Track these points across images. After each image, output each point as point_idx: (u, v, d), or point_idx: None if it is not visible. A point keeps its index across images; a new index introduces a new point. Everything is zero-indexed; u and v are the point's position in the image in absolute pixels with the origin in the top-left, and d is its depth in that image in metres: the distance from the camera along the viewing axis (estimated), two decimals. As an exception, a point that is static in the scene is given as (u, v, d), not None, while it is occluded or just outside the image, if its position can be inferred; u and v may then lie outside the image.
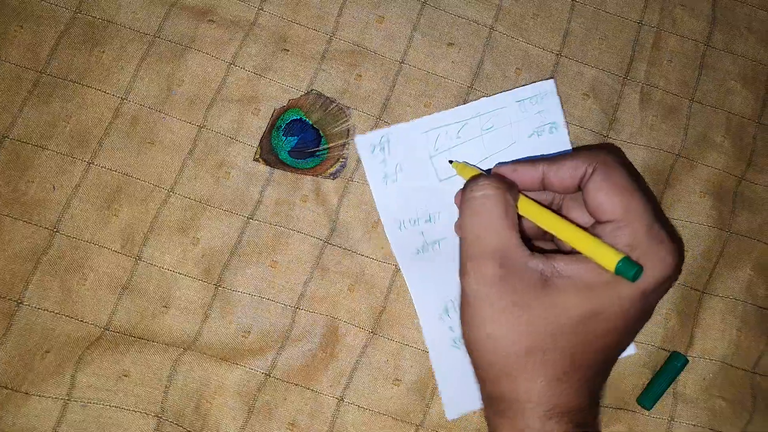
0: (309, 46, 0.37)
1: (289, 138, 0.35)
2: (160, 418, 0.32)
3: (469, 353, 0.29)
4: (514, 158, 0.36)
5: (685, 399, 0.36)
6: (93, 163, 0.34)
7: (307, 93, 0.36)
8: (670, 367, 0.35)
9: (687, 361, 0.36)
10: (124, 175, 0.35)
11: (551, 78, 0.37)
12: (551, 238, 0.33)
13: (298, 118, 0.35)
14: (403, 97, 0.37)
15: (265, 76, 0.36)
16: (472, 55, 0.38)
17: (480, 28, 0.38)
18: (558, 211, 0.31)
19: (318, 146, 0.35)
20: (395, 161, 0.35)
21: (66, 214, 0.34)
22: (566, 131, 0.36)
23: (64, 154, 0.34)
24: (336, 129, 0.35)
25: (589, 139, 0.38)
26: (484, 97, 0.37)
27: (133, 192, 0.34)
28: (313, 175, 0.35)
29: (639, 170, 0.37)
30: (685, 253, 0.37)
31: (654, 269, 0.26)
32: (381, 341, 0.35)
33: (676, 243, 0.27)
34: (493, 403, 0.29)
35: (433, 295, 0.35)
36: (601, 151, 0.29)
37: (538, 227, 0.29)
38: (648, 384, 0.35)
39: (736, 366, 0.36)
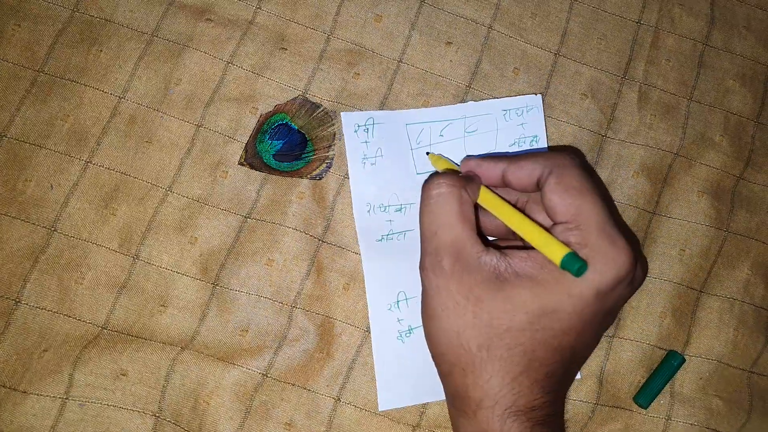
0: (307, 45, 0.37)
1: (274, 142, 0.35)
2: (158, 417, 0.32)
3: (428, 346, 0.30)
4: None
5: (681, 398, 0.36)
6: (91, 162, 0.34)
7: (294, 98, 0.36)
8: (667, 365, 0.35)
9: (684, 360, 0.36)
10: (122, 174, 0.35)
11: (540, 94, 0.37)
12: (518, 238, 0.33)
13: (284, 122, 0.35)
14: (401, 96, 0.37)
15: (263, 75, 0.36)
16: (470, 54, 0.38)
17: (478, 27, 0.38)
18: (521, 210, 0.32)
19: (304, 150, 0.35)
20: (377, 145, 0.36)
21: (64, 213, 0.34)
22: (546, 146, 0.37)
23: (61, 153, 0.34)
24: (322, 132, 0.35)
25: (587, 139, 0.38)
26: (472, 102, 0.37)
27: (130, 191, 0.34)
28: (297, 177, 0.35)
29: (637, 169, 0.37)
30: (683, 251, 0.37)
31: (606, 268, 0.27)
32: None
33: (630, 244, 0.27)
34: (454, 401, 0.29)
35: (387, 284, 0.35)
36: (560, 154, 0.30)
37: (503, 225, 0.30)
38: (644, 383, 0.36)
39: (733, 365, 0.36)
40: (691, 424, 0.35)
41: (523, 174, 0.30)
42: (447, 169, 0.33)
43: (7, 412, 0.31)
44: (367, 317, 0.35)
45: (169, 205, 0.35)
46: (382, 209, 0.35)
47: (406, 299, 0.35)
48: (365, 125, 0.36)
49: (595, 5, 0.39)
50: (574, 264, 0.26)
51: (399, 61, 0.37)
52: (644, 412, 0.35)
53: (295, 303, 0.34)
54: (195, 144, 0.35)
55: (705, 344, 0.36)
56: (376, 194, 0.35)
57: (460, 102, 0.37)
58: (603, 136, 0.38)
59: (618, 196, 0.37)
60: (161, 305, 0.34)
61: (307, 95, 0.36)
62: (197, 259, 0.34)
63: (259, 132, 0.35)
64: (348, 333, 0.34)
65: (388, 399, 0.34)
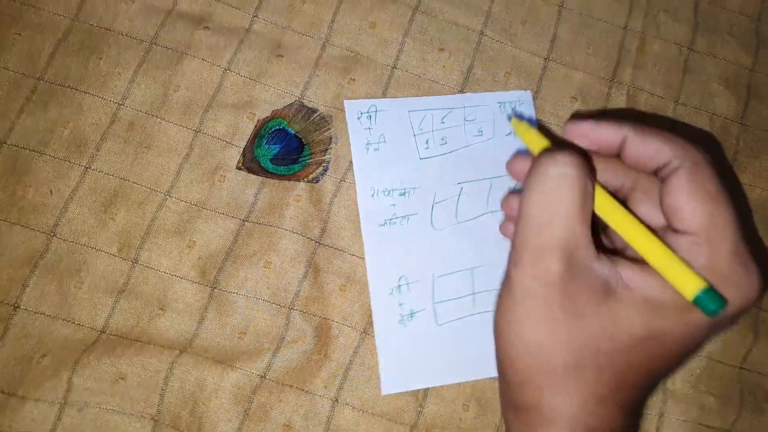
0: (303, 52, 0.37)
1: (271, 146, 0.35)
2: (157, 421, 0.32)
3: (497, 350, 0.25)
4: (492, 151, 0.37)
5: (674, 395, 0.36)
6: (90, 167, 0.35)
7: (291, 104, 0.36)
8: None
9: None
10: (121, 180, 0.35)
11: (528, 90, 0.38)
12: (602, 228, 0.28)
13: (281, 127, 0.36)
14: (396, 101, 0.38)
15: (260, 81, 0.37)
16: (462, 59, 0.39)
17: (470, 33, 0.39)
18: (624, 203, 0.27)
19: (301, 153, 0.36)
20: (380, 131, 0.36)
21: (63, 219, 0.34)
22: None
23: (61, 159, 0.35)
24: (319, 137, 0.36)
25: (577, 141, 0.38)
26: (470, 92, 0.38)
27: (129, 196, 0.35)
28: (294, 180, 0.36)
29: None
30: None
31: (734, 297, 0.22)
32: (373, 341, 0.35)
33: (760, 267, 0.23)
34: (519, 411, 0.25)
35: (389, 269, 0.35)
36: (694, 146, 0.24)
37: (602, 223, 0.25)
38: None
39: (724, 362, 0.37)
40: (684, 421, 0.36)
41: (648, 151, 0.24)
42: (550, 149, 0.26)
43: (5, 418, 0.31)
44: (365, 318, 0.35)
45: (168, 209, 0.35)
46: (386, 193, 0.36)
47: (408, 284, 0.35)
48: (368, 112, 0.36)
49: (582, 11, 0.41)
50: (712, 303, 0.22)
51: (393, 67, 0.38)
52: None
53: (292, 305, 0.35)
54: (193, 149, 0.36)
55: None
56: (380, 178, 0.36)
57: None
58: (593, 138, 0.39)
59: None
60: (160, 309, 0.34)
61: (304, 101, 0.37)
62: (196, 262, 0.35)
63: (257, 137, 0.36)
64: (345, 334, 0.35)
65: (391, 383, 0.34)
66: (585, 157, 0.24)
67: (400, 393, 0.34)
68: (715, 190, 0.23)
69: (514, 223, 0.25)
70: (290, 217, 0.35)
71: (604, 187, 0.25)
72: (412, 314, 0.35)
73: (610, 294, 0.23)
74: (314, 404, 0.34)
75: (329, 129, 0.36)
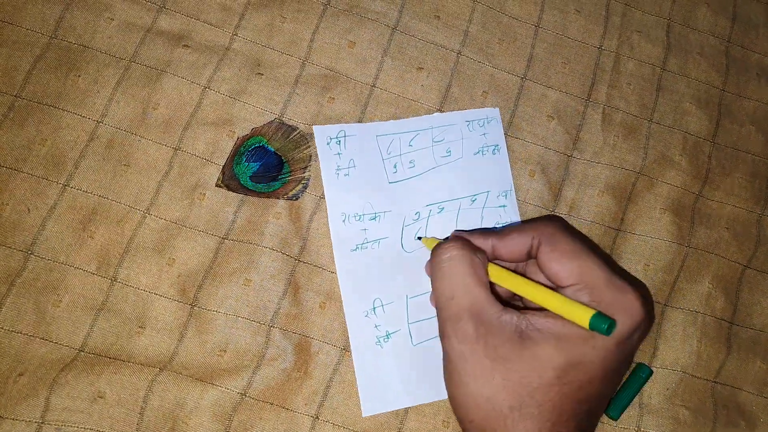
0: (283, 70, 0.38)
1: (251, 164, 0.36)
2: (136, 439, 0.32)
3: (454, 410, 0.30)
4: (461, 170, 0.38)
5: (650, 409, 0.37)
6: (68, 185, 0.35)
7: (270, 121, 0.37)
8: (636, 378, 0.37)
9: (651, 372, 0.37)
10: (100, 197, 0.35)
11: (496, 107, 0.39)
12: (519, 299, 0.34)
13: (261, 145, 0.36)
14: (375, 120, 0.38)
15: (239, 99, 0.37)
16: (440, 78, 0.39)
17: (448, 53, 0.40)
18: (523, 275, 0.33)
19: (280, 171, 0.36)
20: (349, 156, 0.37)
21: (41, 237, 0.34)
22: (507, 155, 0.39)
23: (39, 177, 0.34)
24: (298, 154, 0.36)
25: (553, 159, 0.39)
26: (438, 113, 0.38)
27: (108, 214, 0.35)
28: (274, 198, 0.36)
29: (603, 188, 0.39)
30: (648, 267, 0.39)
31: (624, 319, 0.27)
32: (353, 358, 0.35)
33: (640, 289, 0.28)
34: None
35: (363, 292, 0.36)
36: (544, 223, 0.31)
37: (508, 291, 0.31)
38: (615, 395, 0.37)
39: (698, 376, 0.38)
40: None
41: (513, 246, 0.31)
42: (440, 242, 0.33)
43: (-19, 438, 0.31)
44: (344, 335, 0.35)
45: (147, 227, 0.35)
46: (357, 218, 0.36)
47: (383, 305, 0.36)
48: (337, 137, 0.37)
49: (558, 31, 0.41)
50: (602, 323, 0.26)
51: (372, 86, 0.38)
52: (615, 424, 0.37)
53: (272, 322, 0.35)
54: (173, 167, 0.36)
55: (671, 356, 0.38)
56: (351, 204, 0.37)
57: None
58: (569, 156, 0.40)
59: (584, 214, 0.39)
60: (139, 327, 0.34)
61: (284, 119, 0.37)
62: (175, 280, 0.35)
63: (236, 154, 0.36)
64: (325, 351, 0.35)
65: (370, 405, 0.35)
66: (469, 241, 0.31)
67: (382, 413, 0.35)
68: (574, 247, 0.29)
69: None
70: (270, 235, 0.36)
71: (496, 264, 0.31)
72: (388, 335, 0.35)
73: (525, 339, 0.28)
74: (295, 422, 0.34)
75: (309, 147, 0.37)
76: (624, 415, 0.37)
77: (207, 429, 0.33)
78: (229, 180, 0.36)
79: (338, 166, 0.37)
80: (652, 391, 0.37)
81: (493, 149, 0.38)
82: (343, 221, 0.36)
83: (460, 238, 0.32)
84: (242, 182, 0.36)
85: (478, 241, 0.32)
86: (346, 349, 0.35)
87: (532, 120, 0.40)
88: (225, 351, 0.34)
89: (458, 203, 0.38)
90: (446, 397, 0.34)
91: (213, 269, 0.35)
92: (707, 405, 0.37)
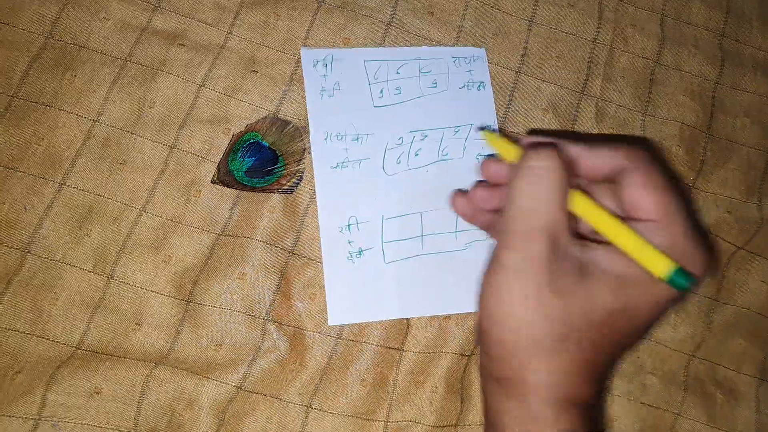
0: (277, 68, 0.38)
1: (246, 159, 0.36)
2: (133, 435, 0.32)
3: (482, 324, 0.28)
4: (445, 102, 0.39)
5: (620, 374, 0.38)
6: (65, 184, 0.35)
7: (264, 117, 0.37)
8: None
9: None
10: (96, 196, 0.35)
11: (482, 48, 0.40)
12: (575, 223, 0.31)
13: (255, 140, 0.36)
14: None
15: (235, 97, 0.37)
16: (434, 74, 0.39)
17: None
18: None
19: (275, 165, 0.36)
20: (335, 79, 0.37)
21: (38, 235, 0.34)
22: (491, 92, 0.39)
23: (35, 176, 0.35)
24: (293, 147, 0.37)
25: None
26: (426, 46, 0.39)
27: (105, 212, 0.35)
28: (269, 192, 0.36)
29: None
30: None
31: (691, 269, 0.26)
32: (346, 345, 0.35)
33: (711, 249, 0.27)
34: (501, 381, 0.27)
35: (339, 208, 0.37)
36: (640, 148, 0.28)
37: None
38: None
39: (673, 348, 0.38)
40: (628, 399, 0.37)
41: (601, 162, 0.28)
42: (534, 143, 0.29)
43: (-22, 436, 0.31)
44: (337, 326, 0.35)
45: (144, 225, 0.35)
46: (339, 138, 0.37)
47: (357, 223, 0.36)
48: (324, 60, 0.38)
49: (552, 26, 0.41)
50: (684, 280, 0.25)
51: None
52: None
53: (267, 315, 0.35)
54: (168, 165, 0.36)
55: None
56: (334, 123, 0.37)
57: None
58: (564, 149, 0.40)
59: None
60: (136, 324, 0.34)
61: (279, 115, 0.37)
62: (171, 277, 0.35)
63: (231, 151, 0.36)
64: (319, 342, 0.35)
65: (337, 315, 0.35)
66: (563, 156, 0.27)
67: (372, 390, 0.35)
68: (665, 184, 0.27)
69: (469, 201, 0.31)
70: (263, 228, 0.36)
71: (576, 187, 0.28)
72: (360, 252, 0.36)
73: (585, 274, 0.26)
74: (288, 412, 0.34)
75: (303, 139, 0.37)
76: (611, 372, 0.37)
77: (203, 422, 0.33)
78: (224, 176, 0.36)
79: (323, 88, 0.37)
80: (623, 358, 0.38)
81: (479, 85, 0.39)
82: (325, 139, 0.37)
83: (559, 153, 0.27)
84: (237, 178, 0.36)
85: (565, 146, 0.28)
86: (340, 337, 0.35)
87: (527, 113, 0.40)
88: (221, 345, 0.34)
89: (442, 132, 0.38)
90: (411, 315, 0.36)
91: (208, 265, 0.35)
92: (678, 376, 0.38)
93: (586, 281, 0.26)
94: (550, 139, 0.29)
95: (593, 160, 0.28)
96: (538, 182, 0.27)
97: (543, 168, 0.27)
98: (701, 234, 0.28)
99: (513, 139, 0.31)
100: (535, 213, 0.26)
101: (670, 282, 0.25)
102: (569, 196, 0.27)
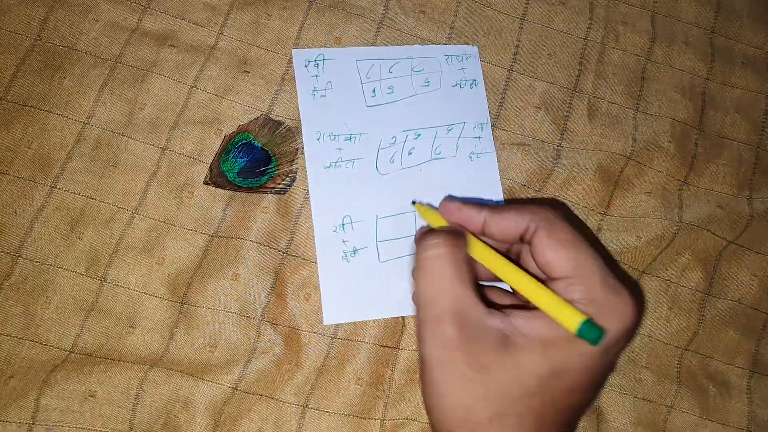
0: (269, 68, 0.38)
1: (238, 160, 0.36)
2: (128, 439, 0.32)
3: (429, 419, 0.28)
4: (438, 101, 0.39)
5: (615, 368, 0.38)
6: (56, 187, 0.35)
7: (256, 118, 0.37)
8: None
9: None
10: (88, 198, 0.35)
11: (475, 45, 0.40)
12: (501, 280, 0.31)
13: (248, 141, 0.36)
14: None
15: (226, 97, 0.37)
16: (427, 72, 0.39)
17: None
18: (515, 260, 0.31)
19: (268, 165, 0.36)
20: (327, 79, 0.37)
21: (29, 239, 0.34)
22: (484, 89, 0.39)
23: (26, 179, 0.34)
24: (285, 148, 0.36)
25: (542, 150, 0.39)
26: (418, 44, 0.39)
27: (97, 214, 0.35)
28: (262, 192, 0.36)
29: (592, 173, 0.39)
30: (638, 240, 0.39)
31: (614, 322, 0.26)
32: (342, 344, 0.35)
33: (632, 291, 0.27)
34: None
35: (333, 208, 0.37)
36: (544, 208, 0.29)
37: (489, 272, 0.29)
38: None
39: (666, 342, 0.39)
40: (621, 393, 0.37)
41: (507, 225, 0.28)
42: (440, 226, 0.31)
43: (-29, 442, 0.31)
44: (332, 325, 0.35)
45: (136, 227, 0.35)
46: (332, 138, 0.37)
47: (352, 223, 0.36)
48: (315, 60, 0.38)
49: (544, 23, 0.42)
50: (592, 332, 0.24)
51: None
52: None
53: (261, 316, 0.35)
54: (160, 167, 0.36)
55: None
56: (326, 123, 0.37)
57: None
58: (558, 145, 0.40)
59: (571, 197, 0.39)
60: (130, 326, 0.34)
61: (271, 115, 0.37)
62: (165, 279, 0.35)
63: (223, 152, 0.36)
64: (315, 342, 0.35)
65: (332, 315, 0.35)
66: (455, 233, 0.29)
67: (368, 388, 0.35)
68: (573, 238, 0.27)
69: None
70: (257, 229, 0.36)
71: (486, 243, 0.29)
72: (355, 251, 0.36)
73: (509, 344, 0.26)
74: (284, 412, 0.34)
75: (296, 140, 0.37)
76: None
77: (198, 423, 0.33)
78: (217, 177, 0.36)
79: (315, 88, 0.37)
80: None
81: (471, 83, 0.39)
82: (318, 139, 0.37)
83: (445, 232, 0.29)
84: (230, 179, 0.36)
85: (470, 212, 0.29)
86: (335, 336, 0.35)
87: (520, 111, 0.40)
88: (216, 346, 0.34)
89: (435, 131, 0.38)
90: (405, 314, 0.36)
91: (202, 266, 0.35)
92: (671, 370, 0.38)
93: (511, 350, 0.26)
94: (455, 204, 0.30)
95: (501, 224, 0.28)
96: (431, 271, 0.27)
97: (433, 257, 0.27)
98: (621, 279, 0.27)
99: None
100: (436, 300, 0.27)
101: (580, 335, 0.25)
102: (490, 259, 0.28)
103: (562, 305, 0.25)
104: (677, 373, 0.38)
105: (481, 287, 0.31)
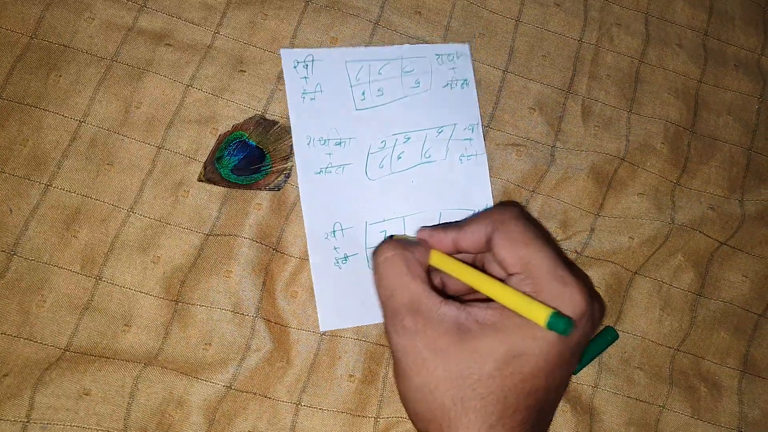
0: (265, 67, 0.38)
1: (233, 157, 0.36)
2: (123, 437, 0.32)
3: (404, 406, 0.30)
4: (428, 102, 0.39)
5: (608, 369, 0.38)
6: (51, 185, 0.35)
7: (251, 117, 0.37)
8: (602, 339, 0.38)
9: (617, 336, 0.38)
10: (83, 197, 0.35)
11: (466, 43, 0.40)
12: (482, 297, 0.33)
13: (242, 139, 0.36)
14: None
15: (222, 97, 0.37)
16: (422, 73, 0.39)
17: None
18: (481, 268, 0.33)
19: (262, 163, 0.36)
20: (316, 81, 0.37)
21: (24, 237, 0.34)
22: (475, 89, 0.39)
23: (21, 177, 0.34)
24: (280, 145, 0.37)
25: (536, 151, 0.40)
26: (408, 45, 0.39)
27: (92, 213, 0.35)
28: (256, 189, 0.36)
29: (585, 174, 0.39)
30: (630, 240, 0.39)
31: (563, 309, 0.27)
32: (331, 341, 0.36)
33: (582, 282, 0.28)
34: None
35: (324, 214, 0.36)
36: (501, 210, 0.32)
37: (465, 285, 0.31)
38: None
39: (659, 342, 0.39)
40: (615, 393, 0.38)
41: (472, 237, 0.31)
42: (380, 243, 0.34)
43: (-35, 440, 0.31)
44: (319, 323, 0.36)
45: (131, 225, 0.35)
46: (322, 142, 0.37)
47: (342, 229, 0.36)
48: (304, 62, 0.37)
49: (538, 25, 0.42)
50: (560, 323, 0.26)
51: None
52: (574, 379, 0.38)
53: (254, 313, 0.35)
54: (156, 165, 0.36)
55: (632, 321, 0.39)
56: (317, 127, 0.37)
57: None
58: (551, 146, 0.40)
59: (565, 197, 0.40)
60: (125, 325, 0.34)
61: (266, 115, 0.37)
62: (160, 278, 0.35)
63: (218, 150, 0.36)
64: (304, 339, 0.35)
65: (327, 321, 0.36)
66: (405, 241, 0.32)
67: (361, 385, 0.35)
68: (523, 236, 0.29)
69: None
70: (249, 226, 0.36)
71: (459, 259, 0.32)
72: (346, 258, 0.36)
73: (465, 330, 0.28)
74: (278, 410, 0.34)
75: (290, 138, 0.37)
76: (584, 372, 0.38)
77: (193, 422, 0.33)
78: (211, 174, 0.36)
79: (304, 90, 0.37)
80: (612, 352, 0.39)
81: (462, 83, 0.39)
82: (308, 144, 0.37)
83: (395, 242, 0.32)
84: (224, 176, 0.36)
85: (440, 235, 0.32)
86: (324, 334, 0.36)
87: (515, 112, 0.40)
88: (210, 344, 0.34)
89: (425, 134, 0.38)
90: None
91: (197, 265, 0.35)
92: (663, 370, 0.39)
93: (466, 335, 0.28)
94: (427, 231, 0.33)
95: (467, 238, 0.31)
96: (385, 272, 0.31)
97: (383, 261, 0.31)
98: (575, 275, 0.28)
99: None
100: (392, 296, 0.30)
101: (550, 327, 0.26)
102: (450, 265, 0.31)
103: (526, 301, 0.27)
104: (670, 373, 0.39)
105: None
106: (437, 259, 0.32)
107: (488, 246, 0.31)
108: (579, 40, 0.42)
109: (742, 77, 0.44)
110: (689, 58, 0.43)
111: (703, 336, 0.40)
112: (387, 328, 0.30)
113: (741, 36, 0.45)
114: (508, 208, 0.32)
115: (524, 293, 0.28)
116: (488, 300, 0.29)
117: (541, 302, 0.27)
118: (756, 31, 0.45)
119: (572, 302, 0.27)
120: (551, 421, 0.33)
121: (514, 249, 0.29)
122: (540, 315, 0.26)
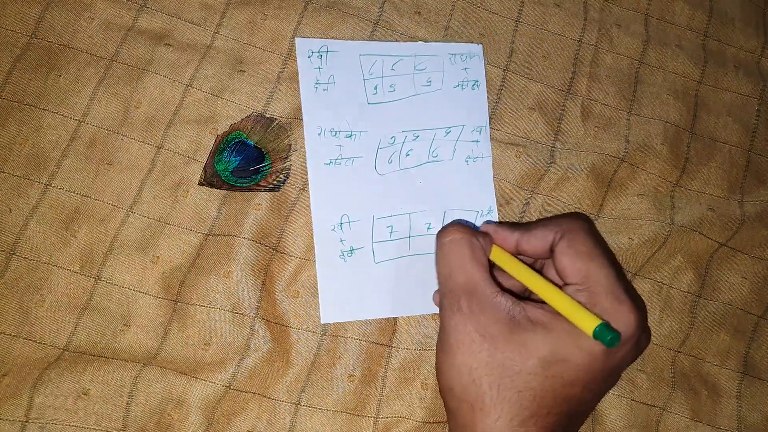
0: (265, 67, 0.38)
1: (232, 159, 0.36)
2: (122, 437, 0.32)
3: (438, 378, 0.31)
4: (439, 101, 0.39)
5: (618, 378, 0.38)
6: (50, 185, 0.35)
7: (248, 115, 0.37)
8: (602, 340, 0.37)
9: (618, 338, 0.37)
10: (83, 197, 0.35)
11: (480, 44, 0.40)
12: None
13: (241, 139, 0.36)
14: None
15: (222, 97, 0.37)
16: (422, 73, 0.39)
17: (429, 48, 0.40)
18: (539, 271, 0.33)
19: (261, 163, 0.36)
20: (330, 72, 0.37)
21: (23, 237, 0.34)
22: (485, 91, 0.39)
23: (20, 177, 0.34)
24: (278, 145, 0.37)
25: (536, 151, 0.40)
26: (422, 42, 0.39)
27: (91, 213, 0.35)
28: (256, 190, 0.36)
29: (585, 174, 0.39)
30: (630, 241, 0.39)
31: (615, 327, 0.28)
32: (332, 341, 0.36)
33: (637, 307, 0.29)
34: None
35: (332, 207, 0.37)
36: (570, 219, 0.32)
37: (520, 285, 0.32)
38: None
39: (659, 344, 0.39)
40: (617, 396, 0.38)
41: (537, 242, 0.32)
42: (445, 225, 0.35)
43: (-36, 439, 0.31)
44: (320, 322, 0.36)
45: (131, 225, 0.35)
46: (333, 134, 0.37)
47: (349, 222, 0.36)
48: (319, 52, 0.37)
49: (538, 26, 0.42)
50: (607, 335, 0.26)
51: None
52: None
53: (253, 313, 0.35)
54: (156, 165, 0.36)
55: None
56: (328, 118, 0.37)
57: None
58: (551, 147, 0.40)
59: (565, 198, 0.40)
60: (124, 325, 0.34)
61: (266, 115, 0.37)
62: (159, 278, 0.35)
63: (217, 151, 0.36)
64: (304, 339, 0.35)
65: (329, 313, 0.36)
66: (471, 227, 0.33)
67: (361, 385, 0.35)
68: (588, 249, 0.30)
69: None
70: (249, 226, 0.36)
71: (521, 260, 0.32)
72: (351, 251, 0.36)
73: (516, 323, 0.29)
74: (277, 410, 0.34)
75: (288, 137, 0.37)
76: None
77: (192, 422, 0.33)
78: (211, 177, 0.36)
79: (317, 80, 0.37)
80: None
81: (473, 84, 0.39)
82: (319, 135, 0.37)
83: (462, 225, 0.33)
84: (224, 178, 0.36)
85: (505, 233, 0.33)
86: (324, 333, 0.36)
87: (515, 112, 0.40)
88: (209, 344, 0.34)
89: (433, 133, 0.38)
90: (400, 314, 0.37)
91: (196, 265, 0.35)
92: (666, 372, 0.39)
93: (517, 330, 0.28)
94: (491, 227, 0.34)
95: (531, 241, 0.32)
96: (448, 253, 0.32)
97: (449, 242, 0.32)
98: (632, 298, 0.29)
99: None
100: (451, 277, 0.31)
101: (596, 337, 0.27)
102: (510, 263, 0.32)
103: (578, 308, 0.28)
104: (672, 375, 0.39)
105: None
106: (497, 255, 0.32)
107: (550, 253, 0.31)
108: (579, 41, 0.42)
109: (741, 78, 0.44)
110: (689, 59, 0.43)
111: (703, 338, 0.40)
112: (441, 305, 0.31)
113: (741, 37, 0.45)
114: (577, 220, 0.32)
115: (578, 302, 0.28)
116: (541, 302, 0.30)
117: (593, 313, 0.27)
118: (756, 32, 0.45)
119: (624, 321, 0.28)
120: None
121: (578, 261, 0.30)
122: (589, 324, 0.27)
